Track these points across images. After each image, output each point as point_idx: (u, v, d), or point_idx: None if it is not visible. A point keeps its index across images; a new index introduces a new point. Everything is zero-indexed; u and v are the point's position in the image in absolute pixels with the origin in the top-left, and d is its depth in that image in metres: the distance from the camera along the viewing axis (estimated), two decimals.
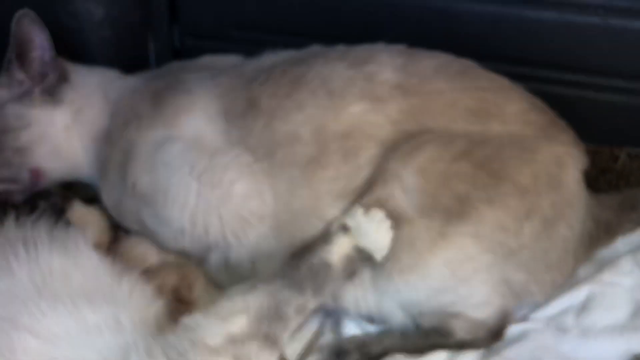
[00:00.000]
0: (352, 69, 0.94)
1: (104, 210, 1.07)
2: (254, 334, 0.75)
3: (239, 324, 0.75)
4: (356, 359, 0.93)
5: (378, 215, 0.87)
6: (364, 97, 0.92)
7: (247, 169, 0.93)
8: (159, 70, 1.13)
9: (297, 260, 0.85)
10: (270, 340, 0.76)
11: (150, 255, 1.03)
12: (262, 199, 0.93)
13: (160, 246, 1.03)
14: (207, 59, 1.12)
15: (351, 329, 0.99)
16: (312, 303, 0.82)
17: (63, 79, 1.05)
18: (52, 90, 1.04)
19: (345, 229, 0.86)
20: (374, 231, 0.87)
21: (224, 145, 0.95)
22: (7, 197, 1.04)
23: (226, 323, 0.75)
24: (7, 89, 1.05)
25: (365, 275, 0.91)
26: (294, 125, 0.92)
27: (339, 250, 0.85)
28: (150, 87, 1.04)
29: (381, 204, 0.88)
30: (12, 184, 1.05)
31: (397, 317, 0.94)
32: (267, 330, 0.76)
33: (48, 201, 1.03)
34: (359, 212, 0.87)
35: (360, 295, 0.93)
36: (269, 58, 1.02)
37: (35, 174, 1.05)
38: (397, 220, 0.87)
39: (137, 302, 0.81)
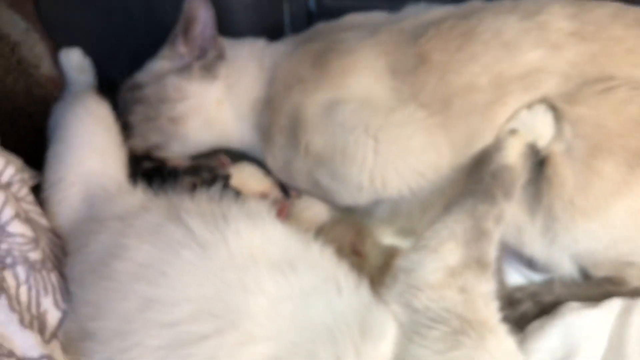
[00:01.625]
0: (524, 20, 0.92)
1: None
2: (467, 262, 0.75)
3: (452, 254, 0.76)
4: (529, 307, 0.94)
5: (541, 108, 0.89)
6: (540, 45, 0.90)
7: (421, 123, 0.93)
8: (306, 33, 1.12)
9: (477, 175, 0.88)
10: (482, 264, 0.77)
11: (322, 215, 1.06)
12: (438, 152, 0.94)
13: (332, 202, 1.05)
14: (352, 18, 1.10)
15: (515, 278, 1.00)
16: (506, 209, 0.83)
17: (220, 56, 1.08)
18: (210, 66, 1.07)
19: (512, 132, 0.90)
20: (539, 123, 0.89)
21: (395, 102, 0.94)
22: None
23: (440, 255, 0.76)
24: (169, 61, 1.09)
25: (536, 223, 0.91)
26: (469, 76, 0.92)
27: (512, 152, 0.88)
28: (306, 51, 1.04)
29: (572, 125, 0.88)
30: (158, 150, 1.09)
31: (565, 266, 0.93)
32: (476, 254, 0.77)
33: (214, 173, 1.06)
34: (522, 112, 0.90)
35: (527, 241, 0.93)
36: (427, 14, 1.00)
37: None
38: (582, 154, 0.87)
39: (329, 263, 0.81)
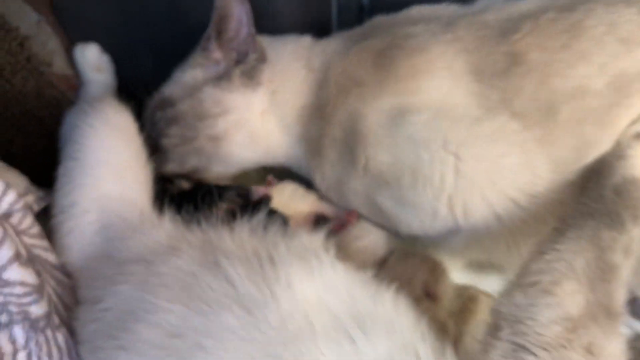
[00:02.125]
0: None
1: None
2: (593, 311, 0.59)
3: (573, 298, 0.60)
4: None
5: None
6: None
7: (515, 137, 0.80)
8: (362, 28, 1.00)
9: (595, 191, 0.73)
10: (610, 314, 0.60)
11: (379, 245, 0.91)
12: (535, 172, 0.80)
13: (393, 230, 0.92)
14: (417, 10, 0.98)
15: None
16: (636, 236, 0.67)
17: (262, 59, 0.96)
18: (252, 71, 0.96)
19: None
20: None
21: (481, 111, 0.81)
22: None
23: (557, 299, 0.59)
24: (203, 70, 0.98)
25: None
26: (579, 79, 0.80)
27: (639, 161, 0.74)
28: (365, 48, 0.91)
29: None
30: (196, 173, 0.98)
31: None
32: (604, 299, 0.60)
33: (248, 197, 0.93)
34: None
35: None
36: (517, 5, 0.87)
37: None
38: None
39: (406, 319, 0.65)
